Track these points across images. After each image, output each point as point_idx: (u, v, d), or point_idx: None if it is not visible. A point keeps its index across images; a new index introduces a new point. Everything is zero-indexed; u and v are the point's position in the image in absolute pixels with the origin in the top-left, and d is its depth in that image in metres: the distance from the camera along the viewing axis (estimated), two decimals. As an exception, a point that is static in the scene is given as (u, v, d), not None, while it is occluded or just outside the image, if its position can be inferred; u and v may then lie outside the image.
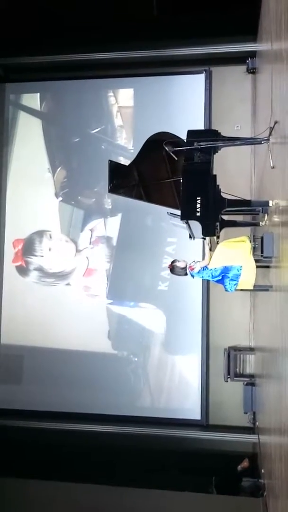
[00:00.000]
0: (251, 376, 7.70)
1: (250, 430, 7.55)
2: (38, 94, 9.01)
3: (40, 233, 8.81)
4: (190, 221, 4.65)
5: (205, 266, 5.04)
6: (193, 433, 7.80)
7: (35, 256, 8.80)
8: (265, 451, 5.99)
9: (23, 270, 8.84)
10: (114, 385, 8.34)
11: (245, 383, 7.59)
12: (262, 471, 6.20)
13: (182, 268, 5.17)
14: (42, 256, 8.78)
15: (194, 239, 5.13)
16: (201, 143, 4.59)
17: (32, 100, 9.03)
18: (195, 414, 8.03)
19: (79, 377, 8.38)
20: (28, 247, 8.83)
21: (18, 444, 7.67)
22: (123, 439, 7.78)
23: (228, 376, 7.60)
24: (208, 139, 4.69)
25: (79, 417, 8.14)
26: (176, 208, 4.99)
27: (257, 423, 7.29)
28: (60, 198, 8.82)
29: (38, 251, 8.80)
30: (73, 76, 8.80)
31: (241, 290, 5.40)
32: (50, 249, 8.76)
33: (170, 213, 5.25)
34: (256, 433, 7.29)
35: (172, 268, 5.24)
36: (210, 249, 5.10)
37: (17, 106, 9.07)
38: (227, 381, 7.63)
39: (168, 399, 8.27)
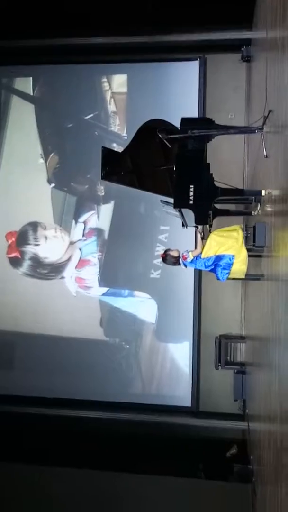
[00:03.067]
0: (242, 364, 7.75)
1: (240, 417, 7.63)
2: (31, 78, 8.90)
3: (34, 224, 8.76)
4: (183, 209, 4.66)
5: (198, 255, 5.05)
6: (184, 420, 7.88)
7: (31, 244, 8.75)
8: (254, 438, 6.06)
9: (17, 262, 8.80)
10: (105, 372, 8.38)
11: (235, 371, 7.63)
12: (251, 457, 6.27)
13: (175, 257, 5.17)
14: (38, 245, 8.74)
15: (186, 228, 5.14)
16: (195, 131, 4.58)
17: (25, 84, 8.92)
18: (185, 401, 8.11)
19: (70, 364, 8.41)
20: (22, 238, 8.78)
21: (9, 430, 7.69)
22: (114, 425, 7.84)
23: (219, 364, 7.63)
24: (201, 127, 4.68)
25: (70, 403, 8.18)
26: (169, 196, 4.99)
27: (246, 411, 7.36)
28: (53, 184, 8.77)
29: (33, 241, 8.75)
30: (67, 60, 8.70)
31: (233, 279, 5.43)
32: (46, 238, 8.73)
33: (163, 201, 5.25)
34: (245, 420, 7.35)
35: (165, 257, 5.24)
36: (203, 238, 5.11)
37: (10, 90, 8.96)
38: (217, 369, 7.66)
39: (159, 386, 8.33)
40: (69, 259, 8.66)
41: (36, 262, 8.75)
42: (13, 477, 6.68)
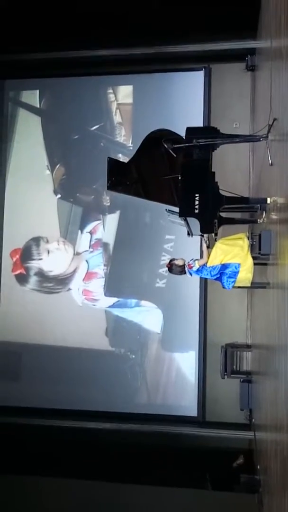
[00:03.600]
0: (248, 373, 7.70)
1: (246, 427, 7.56)
2: (38, 91, 8.99)
3: (37, 239, 8.80)
4: (188, 218, 4.66)
5: (204, 265, 5.04)
6: (190, 430, 7.83)
7: (35, 260, 8.78)
8: (261, 448, 6.00)
9: (23, 278, 8.83)
10: (111, 382, 8.35)
11: (241, 380, 7.59)
12: (258, 467, 6.21)
13: (181, 267, 5.16)
14: (41, 259, 8.76)
15: (192, 236, 5.13)
16: (200, 140, 4.60)
17: (32, 97, 9.00)
18: (191, 410, 8.05)
19: (76, 374, 8.38)
20: (26, 254, 8.83)
21: (15, 441, 7.66)
22: (119, 436, 7.80)
23: (225, 373, 7.60)
24: (207, 136, 4.70)
25: (76, 414, 8.16)
26: (175, 205, 4.99)
27: (253, 420, 7.30)
28: (59, 195, 8.81)
29: (37, 255, 8.78)
30: (73, 73, 8.78)
31: (239, 287, 5.41)
32: (48, 252, 8.75)
33: (169, 210, 5.25)
34: (252, 430, 7.29)
35: (171, 267, 5.23)
36: (208, 247, 5.10)
37: (16, 103, 9.05)
38: (223, 378, 7.63)
39: (165, 396, 8.29)
40: (74, 271, 8.66)
41: (41, 276, 8.78)
42: (17, 489, 6.63)
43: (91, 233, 8.67)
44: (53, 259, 8.76)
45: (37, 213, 8.82)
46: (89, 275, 8.62)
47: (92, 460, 7.31)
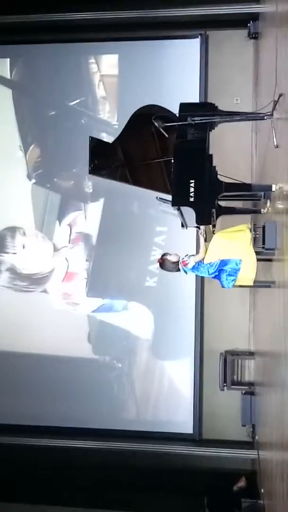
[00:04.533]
0: (250, 384, 7.76)
1: (249, 444, 7.64)
2: (8, 59, 8.92)
3: (12, 229, 8.77)
4: (182, 208, 4.66)
5: (200, 261, 5.05)
6: (185, 449, 7.87)
7: (7, 253, 8.75)
8: (265, 469, 6.05)
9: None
10: (95, 394, 8.37)
11: (243, 392, 7.66)
12: (262, 490, 6.27)
13: (174, 263, 5.15)
14: (15, 253, 8.73)
15: (186, 228, 5.14)
16: (196, 118, 4.60)
17: (1, 66, 8.93)
18: (187, 427, 8.10)
19: (54, 386, 8.39)
20: (-2, 243, 8.80)
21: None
22: (105, 456, 7.82)
23: (224, 384, 7.66)
24: (203, 114, 4.70)
25: (53, 432, 8.16)
26: (167, 192, 5.00)
27: (256, 437, 7.36)
28: (33, 181, 8.78)
29: (11, 248, 8.75)
30: (49, 39, 8.72)
31: (240, 286, 5.42)
32: (24, 247, 8.73)
33: (160, 198, 5.26)
34: (255, 448, 7.35)
35: (163, 263, 5.23)
36: (205, 240, 5.11)
37: (-17, 73, 8.98)
38: (223, 390, 7.69)
39: (157, 411, 8.33)
40: (52, 271, 8.65)
41: (14, 273, 8.76)
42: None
43: (70, 225, 8.65)
44: (28, 256, 8.73)
45: (8, 201, 8.78)
46: (69, 276, 8.61)
47: (73, 484, 7.33)
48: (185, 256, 5.15)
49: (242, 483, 7.34)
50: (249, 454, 7.51)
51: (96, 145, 5.29)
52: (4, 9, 8.18)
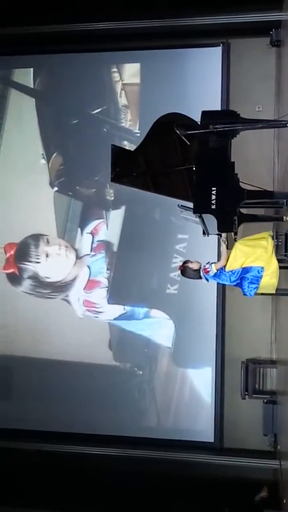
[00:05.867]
0: (273, 393, 7.71)
1: (271, 454, 7.58)
2: (32, 69, 9.03)
3: (36, 237, 8.84)
4: (204, 215, 4.66)
5: (222, 268, 5.04)
6: (205, 457, 7.84)
7: (31, 262, 8.83)
8: (287, 479, 5.99)
9: (15, 279, 8.89)
10: (115, 402, 8.38)
11: (265, 400, 7.61)
12: (284, 501, 6.21)
13: (195, 270, 5.15)
14: (39, 262, 8.81)
15: (208, 236, 5.13)
16: (218, 126, 4.58)
17: (25, 76, 9.05)
18: (207, 435, 8.06)
19: (75, 393, 8.43)
20: (22, 252, 8.87)
21: (8, 467, 7.70)
22: (125, 464, 7.82)
23: (246, 393, 7.62)
24: (225, 122, 4.68)
25: (74, 438, 8.20)
26: (188, 200, 4.99)
27: (278, 447, 7.30)
28: (56, 188, 8.85)
29: (34, 257, 8.83)
30: (72, 49, 8.81)
31: (262, 294, 5.39)
32: (47, 255, 8.80)
33: (181, 205, 5.26)
34: (277, 458, 7.30)
35: (184, 270, 5.24)
36: (227, 248, 5.10)
37: (7, 83, 9.09)
38: (244, 399, 7.64)
39: (177, 419, 8.30)
40: (74, 279, 8.70)
41: (36, 281, 8.83)
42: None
43: (92, 233, 8.69)
44: (52, 264, 8.80)
45: (31, 208, 8.85)
46: (91, 284, 8.65)
47: (93, 491, 7.34)
48: (207, 263, 5.14)
49: (264, 493, 7.27)
50: (271, 464, 7.46)
51: (118, 153, 5.31)
52: (28, 20, 8.30)
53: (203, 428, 8.12)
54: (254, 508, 7.00)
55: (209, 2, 7.67)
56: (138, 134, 8.30)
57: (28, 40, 8.74)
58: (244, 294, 5.10)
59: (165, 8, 7.89)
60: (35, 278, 8.84)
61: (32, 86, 9.05)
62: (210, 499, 7.21)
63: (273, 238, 5.10)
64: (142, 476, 7.55)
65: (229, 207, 4.65)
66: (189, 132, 4.77)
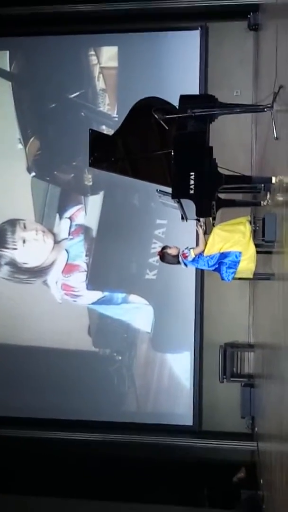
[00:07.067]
0: (250, 376, 7.79)
1: (248, 436, 7.67)
2: (8, 51, 8.88)
3: (12, 222, 8.75)
4: (182, 200, 4.67)
5: (200, 254, 5.06)
6: (185, 440, 7.91)
7: (7, 248, 8.75)
8: (264, 460, 6.08)
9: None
10: (95, 387, 8.39)
11: (243, 384, 7.68)
12: (261, 481, 6.30)
13: (174, 256, 5.18)
14: (16, 248, 8.74)
15: (186, 221, 5.14)
16: (196, 110, 4.58)
17: (1, 58, 8.89)
18: (186, 419, 8.14)
19: (55, 378, 8.41)
20: (-1, 237, 8.80)
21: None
22: (105, 448, 7.85)
23: (224, 377, 7.69)
24: (203, 106, 4.69)
25: (53, 424, 8.19)
26: (167, 185, 4.99)
27: (256, 429, 7.39)
28: (33, 173, 8.77)
29: (11, 243, 8.76)
30: (49, 31, 8.67)
31: (240, 279, 5.45)
32: (24, 241, 8.73)
33: (160, 190, 5.26)
34: (254, 440, 7.40)
35: (163, 256, 5.26)
36: (205, 233, 5.12)
37: (-18, 66, 8.95)
38: (222, 382, 7.72)
39: (157, 403, 8.36)
40: (53, 263, 8.65)
41: (14, 267, 8.76)
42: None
43: (71, 219, 8.65)
44: (29, 250, 8.73)
45: (7, 193, 8.76)
46: (69, 267, 8.61)
47: (74, 476, 7.35)
48: (185, 248, 5.16)
49: (241, 474, 7.38)
50: (249, 445, 7.54)
51: (96, 138, 5.29)
52: (4, 1, 8.14)
53: (182, 411, 8.19)
54: (233, 489, 7.10)
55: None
56: (116, 119, 8.24)
57: (3, 22, 8.57)
58: (222, 279, 5.15)
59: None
60: (12, 264, 8.77)
61: (8, 69, 8.90)
62: (189, 480, 7.29)
63: (250, 223, 5.14)
64: (122, 460, 7.59)
65: (207, 192, 4.67)
66: (167, 116, 4.76)
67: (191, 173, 4.55)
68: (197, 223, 5.09)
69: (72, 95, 8.70)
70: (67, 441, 7.96)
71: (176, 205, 4.86)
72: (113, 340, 8.54)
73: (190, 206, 4.67)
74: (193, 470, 7.42)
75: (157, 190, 5.32)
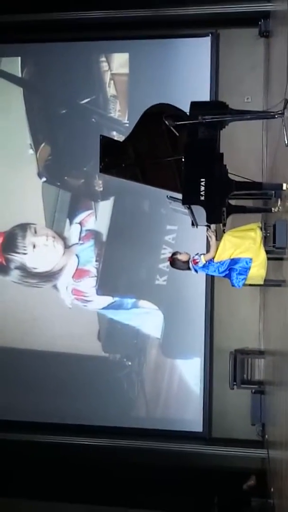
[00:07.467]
0: (260, 383, 7.76)
1: (259, 443, 7.64)
2: (19, 58, 8.96)
3: (23, 227, 8.79)
4: (193, 206, 4.67)
5: (211, 260, 5.06)
6: (194, 447, 7.90)
7: (17, 253, 8.80)
8: (275, 468, 6.05)
9: (3, 269, 8.86)
10: (104, 392, 8.40)
11: (253, 390, 7.66)
12: (272, 490, 6.27)
13: (184, 262, 5.18)
14: (26, 253, 8.78)
15: (197, 227, 5.15)
16: (206, 117, 4.59)
17: (12, 64, 8.97)
18: (196, 425, 8.12)
19: (64, 384, 8.43)
20: (9, 242, 8.83)
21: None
22: (115, 454, 7.85)
23: (234, 383, 7.65)
24: (214, 113, 4.69)
25: (63, 429, 8.21)
26: (177, 191, 5.00)
27: (266, 436, 7.36)
28: (44, 179, 8.81)
29: (21, 248, 8.80)
30: (60, 37, 8.76)
31: (250, 285, 5.44)
32: (34, 246, 8.76)
33: (170, 196, 5.27)
34: (265, 448, 7.35)
35: (173, 261, 5.25)
36: (216, 239, 5.12)
37: (-5, 72, 9.02)
38: (232, 389, 7.68)
39: (166, 409, 8.34)
40: (63, 268, 8.69)
41: (24, 271, 8.80)
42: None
43: (81, 224, 8.68)
44: (39, 255, 8.78)
45: (19, 198, 8.83)
46: (79, 273, 8.64)
47: (82, 482, 7.36)
48: (196, 254, 5.16)
49: (252, 482, 7.35)
50: (259, 453, 7.52)
51: (107, 144, 5.30)
52: (15, 8, 8.20)
53: (192, 418, 8.17)
54: (243, 497, 7.07)
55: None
56: (127, 125, 8.27)
57: (15, 28, 8.65)
58: (233, 285, 5.14)
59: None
60: (22, 268, 8.82)
61: (19, 75, 8.97)
62: (199, 488, 7.27)
63: (261, 230, 5.13)
64: (131, 466, 7.59)
65: (218, 198, 4.66)
66: (178, 122, 4.77)
67: (202, 180, 4.55)
68: (207, 229, 5.10)
69: (83, 101, 8.75)
70: (75, 445, 7.98)
71: (186, 211, 4.87)
72: (123, 345, 8.55)
73: (200, 212, 4.67)
74: (203, 478, 7.40)
75: (167, 196, 5.33)
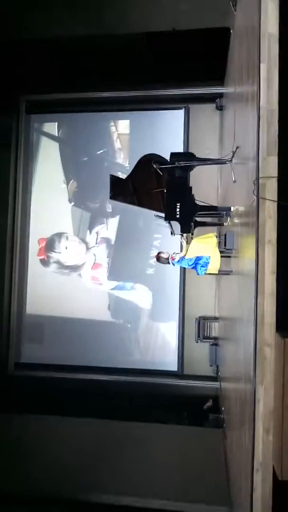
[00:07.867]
0: (215, 338, 7.75)
1: (214, 378, 7.63)
2: (56, 123, 8.90)
3: (59, 235, 8.74)
4: (172, 222, 4.67)
5: (183, 257, 5.05)
6: (172, 381, 7.87)
7: (55, 252, 8.76)
8: (224, 394, 6.06)
9: (45, 263, 8.78)
10: (112, 344, 8.35)
11: (210, 343, 7.64)
12: (222, 408, 6.27)
13: (166, 258, 5.17)
14: (60, 252, 8.74)
15: (174, 235, 5.14)
16: (181, 162, 4.59)
17: (52, 128, 8.91)
18: (173, 366, 8.09)
19: (86, 339, 8.37)
20: (49, 245, 8.76)
21: (39, 390, 7.61)
22: (118, 385, 7.80)
23: (198, 338, 7.66)
24: (186, 159, 4.69)
25: (85, 369, 8.13)
26: (161, 211, 5.00)
27: (219, 373, 7.35)
28: (73, 203, 8.77)
29: (57, 249, 8.76)
30: (84, 109, 8.68)
31: (209, 274, 5.41)
32: (66, 248, 8.72)
33: (157, 215, 5.25)
34: (218, 381, 7.36)
35: (158, 258, 5.24)
36: (186, 243, 5.11)
37: (40, 133, 8.94)
38: (197, 342, 7.68)
39: (153, 355, 8.31)
40: (84, 263, 8.65)
41: (59, 264, 8.74)
42: (41, 425, 6.59)
43: (97, 232, 8.65)
44: (69, 254, 8.73)
45: (56, 215, 8.74)
46: (96, 265, 8.61)
47: (95, 405, 7.27)
48: (173, 253, 5.15)
49: (209, 403, 7.35)
50: (214, 384, 7.50)
51: (114, 180, 5.31)
52: (54, 90, 8.16)
53: (170, 361, 8.14)
54: (203, 413, 7.07)
55: (175, 80, 7.62)
56: (128, 167, 8.23)
57: (53, 104, 8.61)
58: (198, 274, 5.12)
59: (147, 83, 7.80)
60: (58, 262, 8.76)
61: (56, 135, 8.91)
62: (174, 408, 7.24)
63: (217, 237, 5.11)
64: (129, 393, 7.48)
65: (188, 216, 4.67)
66: (162, 166, 4.77)
67: (178, 204, 4.55)
68: (181, 236, 5.09)
69: (99, 152, 8.69)
70: (93, 381, 7.86)
71: (167, 224, 4.86)
72: (125, 314, 8.50)
73: (176, 225, 4.68)
74: (178, 401, 7.38)
75: (155, 215, 5.31)
